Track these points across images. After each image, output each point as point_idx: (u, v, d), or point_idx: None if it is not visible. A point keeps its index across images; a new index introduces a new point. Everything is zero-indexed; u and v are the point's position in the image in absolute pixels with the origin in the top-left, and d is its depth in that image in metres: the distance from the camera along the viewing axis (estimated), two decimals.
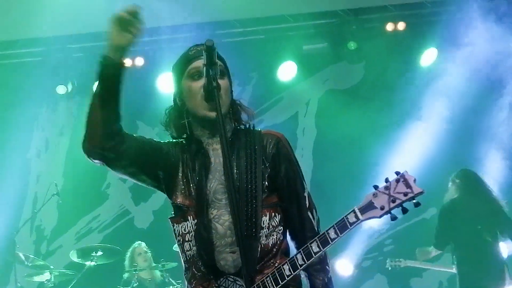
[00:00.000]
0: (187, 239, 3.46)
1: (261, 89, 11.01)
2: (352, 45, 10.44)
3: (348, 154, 10.45)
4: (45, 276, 8.76)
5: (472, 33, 9.67)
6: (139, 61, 10.32)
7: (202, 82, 3.35)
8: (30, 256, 9.08)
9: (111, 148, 3.44)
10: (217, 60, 3.29)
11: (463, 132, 10.25)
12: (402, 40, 10.37)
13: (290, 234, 3.55)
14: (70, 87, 10.62)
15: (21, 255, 8.89)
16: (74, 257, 8.96)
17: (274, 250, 3.43)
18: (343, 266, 9.94)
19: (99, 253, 8.83)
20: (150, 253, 9.10)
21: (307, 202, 3.55)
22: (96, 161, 3.48)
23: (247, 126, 3.61)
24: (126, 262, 9.14)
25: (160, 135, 3.77)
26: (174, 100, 3.66)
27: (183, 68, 3.56)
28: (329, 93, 11.14)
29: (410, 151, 9.85)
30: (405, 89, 10.29)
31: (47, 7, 9.10)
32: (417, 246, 9.62)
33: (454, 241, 8.25)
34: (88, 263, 8.84)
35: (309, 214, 3.53)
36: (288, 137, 3.67)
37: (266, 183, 3.46)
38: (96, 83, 3.39)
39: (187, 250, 3.48)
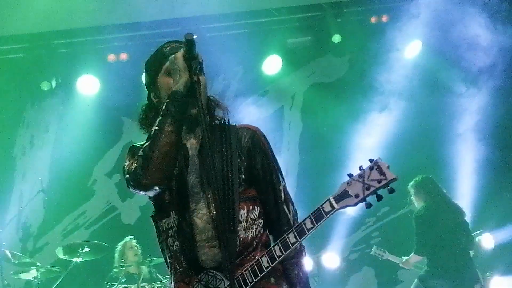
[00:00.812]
0: (170, 235, 3.48)
1: (246, 83, 10.99)
2: (336, 38, 10.45)
3: (334, 146, 10.46)
4: (32, 273, 8.71)
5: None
6: (123, 56, 10.30)
7: None
8: (17, 253, 9.02)
9: (163, 184, 3.37)
10: (197, 54, 3.27)
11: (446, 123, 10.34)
12: (386, 32, 10.37)
13: (268, 228, 3.55)
14: (54, 83, 10.56)
15: (7, 252, 8.84)
16: (60, 254, 8.92)
17: (254, 243, 3.44)
18: (330, 259, 9.98)
19: (86, 249, 8.79)
20: (139, 249, 9.10)
21: (282, 195, 3.56)
22: (141, 192, 3.41)
23: (222, 121, 3.61)
24: (116, 256, 9.11)
25: (142, 130, 3.75)
26: (149, 98, 3.64)
27: (158, 64, 3.53)
28: (314, 87, 11.15)
29: (395, 142, 9.93)
30: (389, 82, 10.32)
31: (30, 2, 9.06)
32: (404, 237, 9.70)
33: (434, 245, 8.43)
34: (75, 259, 8.80)
35: (285, 207, 3.54)
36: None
37: (243, 176, 3.47)
38: (165, 121, 3.27)
39: (170, 246, 3.49)
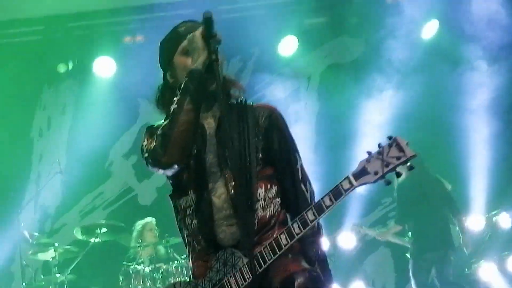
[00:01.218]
0: (188, 213, 3.49)
1: (262, 64, 10.96)
2: (353, 19, 10.40)
3: (351, 126, 10.42)
4: (50, 253, 8.79)
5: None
6: (140, 38, 10.31)
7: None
8: (35, 234, 9.12)
9: (183, 162, 3.39)
10: (215, 32, 3.27)
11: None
12: (402, 12, 10.29)
13: (285, 206, 3.55)
14: (70, 65, 10.60)
15: (25, 233, 8.93)
16: (78, 235, 9.01)
17: (272, 221, 3.44)
18: (347, 239, 9.98)
19: (103, 230, 8.86)
20: (158, 231, 9.16)
21: (300, 174, 3.56)
22: (160, 171, 3.43)
23: (239, 100, 3.61)
24: (134, 235, 9.17)
25: (159, 111, 3.76)
26: (164, 78, 3.64)
27: (174, 44, 3.53)
28: (330, 67, 11.11)
29: (411, 120, 9.90)
30: (406, 61, 10.27)
31: None
32: None
33: (415, 216, 8.50)
34: (92, 240, 8.89)
35: (302, 186, 3.55)
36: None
37: (261, 155, 3.48)
38: (184, 99, 3.28)
39: (188, 224, 3.51)
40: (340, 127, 10.54)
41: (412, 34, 10.38)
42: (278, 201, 3.51)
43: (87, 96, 10.74)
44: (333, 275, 3.54)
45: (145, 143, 3.50)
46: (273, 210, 3.47)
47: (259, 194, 3.43)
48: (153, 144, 3.36)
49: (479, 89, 10.18)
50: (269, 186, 3.48)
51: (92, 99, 10.68)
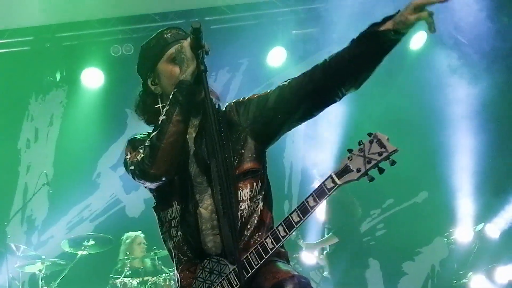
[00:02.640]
0: (173, 225, 3.48)
1: (251, 75, 10.96)
2: (341, 30, 10.39)
3: (340, 137, 10.42)
4: (37, 266, 8.71)
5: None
6: (128, 49, 10.28)
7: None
8: (22, 246, 9.04)
9: (170, 174, 3.36)
10: (204, 43, 3.25)
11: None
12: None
13: (308, 94, 3.40)
14: (58, 76, 10.58)
15: (12, 245, 8.86)
16: (66, 247, 8.94)
17: (255, 221, 3.42)
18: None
19: (91, 242, 8.80)
20: (146, 245, 9.15)
21: (286, 83, 3.54)
22: (147, 183, 3.40)
23: (215, 107, 3.58)
24: (122, 248, 9.13)
25: (138, 118, 3.72)
26: (145, 84, 3.61)
27: (160, 51, 3.51)
28: None
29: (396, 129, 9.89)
30: (396, 72, 10.30)
31: None
32: (409, 229, 9.70)
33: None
34: (80, 252, 8.82)
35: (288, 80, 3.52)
36: None
37: (253, 154, 3.47)
38: (173, 110, 3.27)
39: (173, 236, 3.49)
40: (327, 139, 10.51)
41: (400, 45, 10.37)
42: (259, 198, 3.48)
43: (75, 107, 10.71)
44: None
45: (128, 156, 3.47)
46: (258, 209, 3.45)
47: (244, 194, 3.41)
48: (139, 156, 3.33)
49: (464, 99, 10.20)
50: (254, 184, 3.45)
51: (80, 110, 10.65)
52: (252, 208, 3.43)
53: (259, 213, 3.45)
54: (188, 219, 3.40)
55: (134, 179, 3.40)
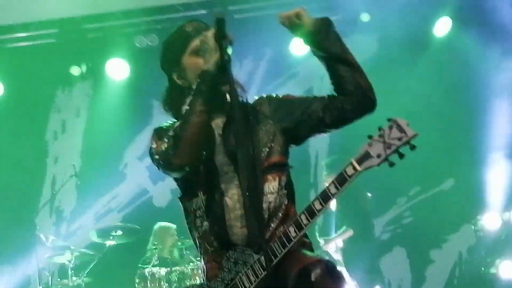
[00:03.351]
0: (198, 215, 3.51)
1: (275, 64, 10.93)
2: (365, 16, 10.34)
3: (363, 126, 10.37)
4: (66, 256, 8.80)
5: None
6: (153, 40, 10.31)
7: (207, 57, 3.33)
8: (51, 237, 9.14)
9: (194, 164, 3.40)
10: (228, 33, 3.27)
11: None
12: (415, 9, 10.21)
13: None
14: (84, 68, 10.64)
15: (41, 236, 8.96)
16: (94, 237, 9.03)
17: (280, 214, 3.45)
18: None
19: (119, 232, 8.88)
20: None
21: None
22: (172, 173, 3.47)
23: (243, 99, 3.60)
24: (152, 237, 9.21)
25: (167, 113, 3.75)
26: (171, 79, 3.65)
27: (183, 44, 3.54)
28: None
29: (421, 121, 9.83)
30: (419, 61, 10.25)
31: None
32: (436, 217, 9.66)
33: None
34: (108, 242, 8.91)
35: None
36: None
37: (279, 147, 3.52)
38: (196, 101, 3.31)
39: (199, 226, 3.52)
40: (351, 127, 10.47)
41: (424, 31, 10.34)
42: (285, 193, 3.51)
43: (101, 98, 10.77)
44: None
45: (154, 145, 3.51)
46: (283, 202, 3.47)
47: (273, 187, 3.44)
48: (163, 146, 3.36)
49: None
50: (282, 177, 3.49)
51: (106, 101, 10.71)
52: (279, 201, 3.46)
53: (284, 207, 3.48)
54: (213, 209, 3.43)
55: (159, 169, 3.44)
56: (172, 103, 3.62)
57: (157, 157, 3.43)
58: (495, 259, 8.92)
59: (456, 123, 10.38)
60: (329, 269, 3.28)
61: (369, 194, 9.26)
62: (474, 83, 10.31)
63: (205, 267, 3.56)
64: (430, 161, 9.68)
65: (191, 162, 3.35)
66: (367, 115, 3.54)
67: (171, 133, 3.34)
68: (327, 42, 3.50)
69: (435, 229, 10.04)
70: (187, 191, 3.57)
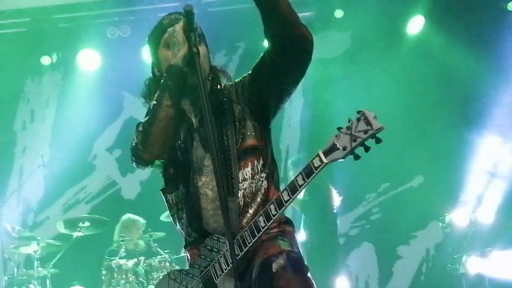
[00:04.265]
0: (179, 208, 3.55)
1: (248, 59, 10.89)
2: (338, 13, 10.37)
3: (335, 121, 10.40)
4: (33, 247, 8.72)
5: None
6: (125, 31, 10.24)
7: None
8: (17, 227, 9.05)
9: (163, 158, 3.44)
10: (196, 25, 3.26)
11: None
12: (389, 7, 10.27)
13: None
14: (55, 58, 10.54)
15: (8, 226, 8.86)
16: (61, 228, 8.96)
17: (259, 199, 3.46)
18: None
19: (86, 223, 8.82)
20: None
21: None
22: (143, 168, 3.49)
23: (220, 87, 3.61)
24: (118, 229, 9.16)
25: (145, 105, 3.74)
26: (153, 72, 3.65)
27: (158, 37, 3.55)
28: (315, 62, 11.00)
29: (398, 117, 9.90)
30: (391, 57, 10.31)
31: None
32: (404, 214, 9.72)
33: None
34: (75, 234, 8.84)
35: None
36: None
37: (256, 123, 3.53)
38: (163, 95, 3.33)
39: (181, 218, 3.56)
40: (324, 123, 10.51)
41: (397, 30, 10.41)
42: (263, 176, 3.51)
43: (71, 89, 10.67)
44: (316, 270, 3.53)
45: (134, 140, 3.52)
46: (261, 187, 3.48)
47: (246, 173, 3.45)
48: (133, 141, 3.39)
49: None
50: (255, 162, 3.49)
51: (76, 92, 10.61)
52: (255, 186, 3.47)
53: (264, 191, 3.49)
54: (193, 201, 3.46)
55: (132, 163, 3.48)
56: (150, 95, 3.61)
57: (130, 151, 3.45)
58: (461, 256, 9.01)
59: (427, 120, 10.46)
60: (292, 260, 3.29)
61: (334, 189, 9.29)
62: (446, 80, 10.40)
63: (188, 255, 3.61)
64: (400, 158, 9.76)
65: (160, 156, 3.39)
66: (300, 60, 3.67)
67: (140, 128, 3.37)
68: None
69: (403, 225, 10.11)
70: (168, 183, 3.60)
